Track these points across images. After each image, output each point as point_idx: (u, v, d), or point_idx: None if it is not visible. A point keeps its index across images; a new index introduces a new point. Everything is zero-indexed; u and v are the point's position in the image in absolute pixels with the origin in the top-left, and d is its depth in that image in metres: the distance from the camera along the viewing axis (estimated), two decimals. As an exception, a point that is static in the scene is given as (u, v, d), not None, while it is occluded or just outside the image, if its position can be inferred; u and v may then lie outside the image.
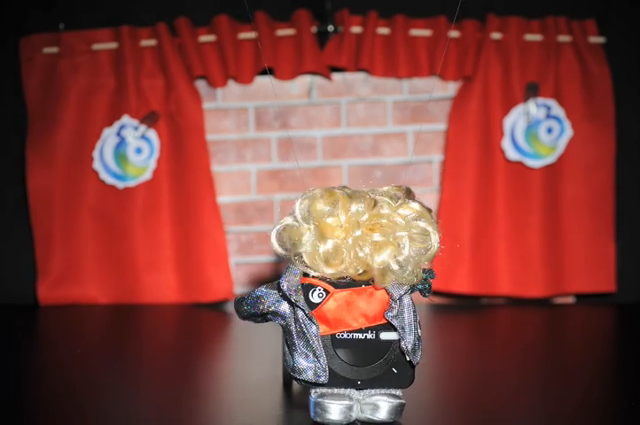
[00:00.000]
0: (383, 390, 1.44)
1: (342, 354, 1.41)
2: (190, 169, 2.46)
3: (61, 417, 1.53)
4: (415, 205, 1.43)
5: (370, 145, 2.51)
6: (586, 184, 2.48)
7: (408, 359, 1.41)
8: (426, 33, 2.45)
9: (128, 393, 1.67)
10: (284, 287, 1.38)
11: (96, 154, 2.46)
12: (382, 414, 1.43)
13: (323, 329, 1.40)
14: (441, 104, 2.51)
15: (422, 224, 1.43)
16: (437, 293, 2.53)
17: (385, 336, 1.42)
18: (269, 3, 2.49)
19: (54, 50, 2.46)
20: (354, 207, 1.38)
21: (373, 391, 1.44)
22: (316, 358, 1.39)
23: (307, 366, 1.40)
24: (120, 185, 2.46)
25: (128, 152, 2.45)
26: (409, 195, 1.45)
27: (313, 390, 1.43)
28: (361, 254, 1.36)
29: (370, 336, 1.42)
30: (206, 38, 2.45)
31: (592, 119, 2.46)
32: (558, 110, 2.44)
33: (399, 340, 1.41)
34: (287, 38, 2.46)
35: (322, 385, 1.42)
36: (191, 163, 2.46)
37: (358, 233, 1.36)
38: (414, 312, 1.41)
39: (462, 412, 1.53)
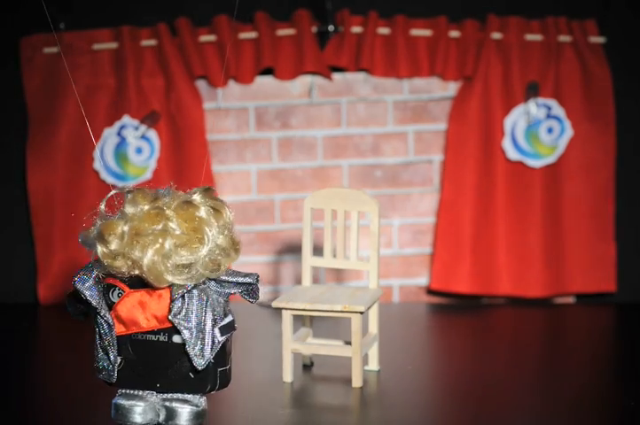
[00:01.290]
0: (180, 395, 1.40)
1: (139, 355, 1.38)
2: (190, 169, 2.46)
3: (61, 416, 1.52)
4: (201, 209, 1.36)
5: (370, 145, 2.51)
6: (586, 184, 2.47)
7: (194, 363, 1.36)
8: (427, 33, 2.45)
9: (128, 393, 1.66)
10: (77, 286, 1.42)
11: (96, 154, 2.45)
12: (178, 420, 1.39)
13: (120, 329, 1.38)
14: (442, 104, 2.51)
15: (204, 228, 1.35)
16: (438, 293, 2.53)
17: (177, 338, 1.37)
18: (269, 3, 2.49)
19: (54, 49, 2.45)
20: (129, 205, 1.42)
21: (170, 396, 1.40)
22: (109, 358, 1.38)
23: (102, 365, 1.40)
24: (120, 185, 2.46)
25: (129, 152, 2.45)
26: (207, 194, 1.38)
27: (118, 391, 1.41)
28: (134, 255, 1.35)
29: (162, 338, 1.38)
30: (206, 38, 2.44)
31: (592, 118, 2.46)
32: (558, 110, 2.44)
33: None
34: (288, 38, 2.46)
35: (121, 385, 1.40)
36: (192, 163, 2.46)
37: (126, 229, 1.38)
38: (207, 314, 1.36)
39: (462, 410, 1.53)
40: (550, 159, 2.45)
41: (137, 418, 1.39)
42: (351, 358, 1.67)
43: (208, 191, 1.38)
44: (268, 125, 2.50)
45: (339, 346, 1.73)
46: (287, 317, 1.69)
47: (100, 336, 1.40)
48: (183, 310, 1.35)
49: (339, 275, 2.50)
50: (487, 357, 1.93)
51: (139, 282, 1.37)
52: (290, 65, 2.46)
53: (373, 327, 1.79)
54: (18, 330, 2.21)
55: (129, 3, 2.50)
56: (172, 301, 1.35)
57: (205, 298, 1.36)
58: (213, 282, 1.38)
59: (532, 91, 2.43)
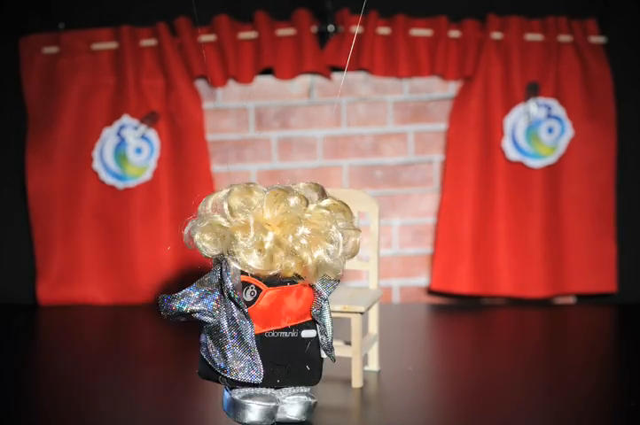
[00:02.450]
0: (296, 389, 1.44)
1: (268, 353, 1.40)
2: (190, 169, 2.46)
3: (61, 417, 1.52)
4: (336, 202, 1.42)
5: (370, 145, 2.51)
6: (587, 184, 2.47)
7: (324, 355, 1.43)
8: (427, 32, 2.45)
9: (128, 393, 1.67)
10: (230, 285, 1.36)
11: (96, 154, 2.46)
12: (296, 412, 1.43)
13: (255, 328, 1.39)
14: (442, 104, 2.50)
15: (343, 218, 1.41)
16: (438, 293, 2.53)
17: (306, 333, 1.42)
18: (269, 3, 2.49)
19: (54, 49, 2.45)
20: (289, 203, 1.36)
21: (289, 390, 1.43)
22: (252, 357, 1.38)
23: (241, 365, 1.38)
24: (120, 185, 2.46)
25: (129, 152, 2.45)
26: (324, 193, 1.44)
27: (237, 391, 1.41)
28: (297, 248, 1.34)
29: (293, 334, 1.42)
30: (206, 38, 2.44)
31: (593, 118, 2.45)
32: (558, 110, 2.44)
33: (316, 337, 1.42)
34: (287, 38, 2.46)
35: (248, 385, 1.39)
36: (191, 163, 2.46)
37: (297, 228, 1.35)
38: (330, 310, 1.44)
39: (462, 411, 1.53)
40: (551, 159, 2.45)
41: (261, 418, 1.40)
42: (351, 358, 1.66)
43: (323, 188, 1.44)
44: (267, 125, 2.50)
45: (339, 346, 1.72)
46: (287, 317, 1.69)
47: (240, 336, 1.37)
48: (322, 308, 1.42)
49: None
50: (488, 357, 1.93)
51: (272, 280, 1.39)
52: (290, 64, 2.46)
53: (373, 327, 1.78)
54: (17, 330, 2.21)
55: (129, 2, 2.50)
56: (322, 297, 1.40)
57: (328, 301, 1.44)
58: None
59: (532, 91, 2.43)
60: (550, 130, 2.44)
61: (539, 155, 2.45)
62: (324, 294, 1.40)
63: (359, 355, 1.65)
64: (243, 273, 1.37)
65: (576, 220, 2.47)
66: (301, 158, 2.51)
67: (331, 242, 1.36)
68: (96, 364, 1.87)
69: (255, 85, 2.49)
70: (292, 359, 1.41)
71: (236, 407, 1.40)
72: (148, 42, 2.46)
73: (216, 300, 1.39)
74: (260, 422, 1.40)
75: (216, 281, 1.39)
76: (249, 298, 1.38)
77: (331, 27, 2.47)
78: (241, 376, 1.37)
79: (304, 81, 2.50)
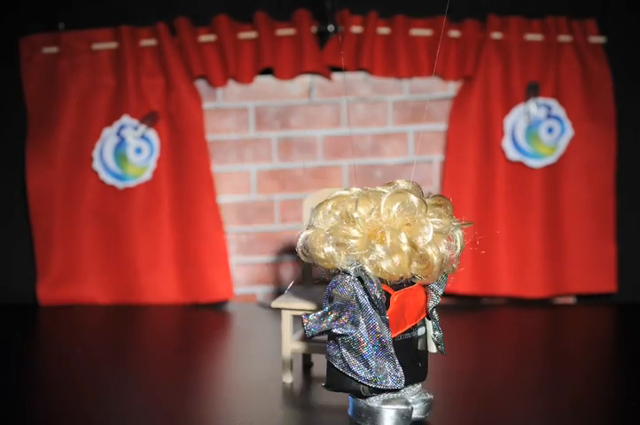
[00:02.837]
0: (415, 387, 1.45)
1: (400, 357, 1.38)
2: (190, 169, 2.46)
3: (61, 417, 1.53)
4: (439, 198, 1.42)
5: (370, 145, 2.51)
6: (587, 184, 2.47)
7: (436, 350, 1.45)
8: (427, 33, 2.45)
9: (129, 393, 1.67)
10: (378, 295, 1.34)
11: (96, 154, 2.46)
12: (424, 413, 1.45)
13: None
14: (442, 104, 2.50)
15: (449, 214, 1.41)
16: (437, 293, 2.53)
17: (420, 331, 1.44)
18: (269, 3, 2.49)
19: (54, 49, 2.45)
20: (412, 204, 1.35)
21: (411, 389, 1.44)
22: (394, 364, 1.37)
23: (384, 373, 1.36)
24: (120, 185, 2.46)
25: (128, 152, 2.45)
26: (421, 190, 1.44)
27: (373, 398, 1.40)
28: (427, 248, 1.33)
29: (412, 334, 1.42)
30: (206, 38, 2.44)
31: (593, 118, 2.46)
32: (558, 110, 2.44)
33: (425, 333, 1.44)
34: (287, 38, 2.46)
35: (384, 391, 1.39)
36: (191, 163, 2.46)
37: (423, 229, 1.34)
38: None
39: (462, 411, 1.53)
40: (551, 159, 2.45)
41: (395, 421, 1.40)
42: (351, 358, 1.66)
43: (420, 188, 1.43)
44: (267, 125, 2.50)
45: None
46: (287, 317, 1.69)
47: (381, 343, 1.35)
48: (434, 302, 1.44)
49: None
50: (488, 357, 1.93)
51: (396, 283, 1.38)
52: (290, 65, 2.46)
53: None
54: (18, 330, 2.22)
55: (129, 2, 2.50)
56: (435, 293, 1.42)
57: None
58: None
59: (532, 91, 2.43)
60: (550, 130, 2.44)
61: (539, 155, 2.45)
62: (440, 291, 1.42)
63: (359, 355, 1.65)
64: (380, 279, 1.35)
65: (576, 219, 2.47)
66: (301, 158, 2.51)
67: (451, 239, 1.37)
68: (96, 364, 1.87)
69: (255, 85, 2.49)
70: (413, 358, 1.42)
71: (374, 414, 1.40)
72: (148, 42, 2.46)
73: (355, 312, 1.35)
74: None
75: (348, 292, 1.35)
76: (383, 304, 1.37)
77: (330, 27, 2.47)
78: (387, 384, 1.36)
79: (304, 81, 2.50)
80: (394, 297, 1.37)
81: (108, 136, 2.45)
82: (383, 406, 1.39)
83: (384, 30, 2.45)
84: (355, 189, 1.40)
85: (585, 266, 2.47)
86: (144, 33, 2.46)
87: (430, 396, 1.46)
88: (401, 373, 1.36)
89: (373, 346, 1.35)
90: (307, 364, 1.82)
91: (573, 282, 2.48)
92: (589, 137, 2.46)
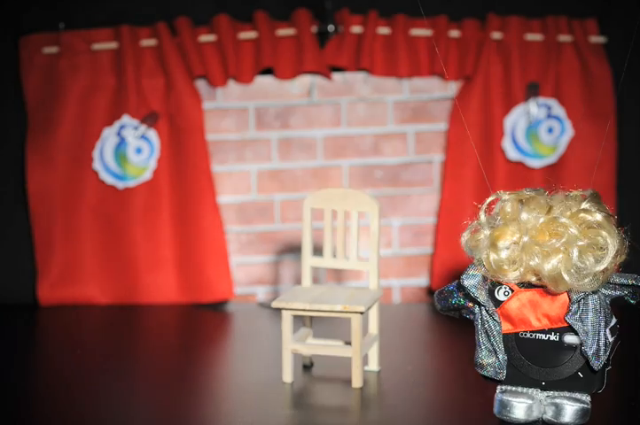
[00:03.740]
0: (567, 394, 1.44)
1: (525, 353, 1.42)
2: (190, 169, 2.46)
3: (61, 417, 1.53)
4: (597, 214, 1.40)
5: (370, 145, 2.51)
6: (587, 184, 2.46)
7: (589, 363, 1.41)
8: (427, 32, 2.45)
9: (128, 393, 1.67)
10: (465, 283, 1.41)
11: (96, 154, 2.45)
12: (565, 418, 1.43)
13: (507, 327, 1.42)
14: (442, 104, 2.50)
15: (602, 233, 1.39)
16: (437, 293, 2.53)
17: (568, 339, 1.42)
18: (269, 3, 2.49)
19: (54, 49, 2.45)
20: (524, 214, 1.38)
21: (557, 393, 1.44)
22: (496, 355, 1.42)
23: (488, 362, 1.43)
24: (120, 185, 2.46)
25: (128, 152, 2.45)
26: (595, 199, 1.43)
27: (499, 387, 1.46)
28: (532, 263, 1.36)
29: (553, 337, 1.42)
30: (206, 38, 2.44)
31: (593, 118, 2.45)
32: (558, 109, 2.44)
33: (581, 344, 1.41)
34: (287, 38, 2.45)
35: (503, 382, 1.44)
36: (191, 163, 2.46)
37: (526, 239, 1.36)
38: (602, 316, 1.41)
39: (462, 411, 1.53)
40: (551, 159, 2.45)
41: (522, 414, 1.43)
42: (351, 358, 1.66)
43: (596, 196, 1.43)
44: (267, 125, 2.50)
45: (339, 346, 1.72)
46: (287, 317, 1.69)
47: (486, 334, 1.42)
48: (580, 312, 1.40)
49: (339, 275, 2.50)
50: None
51: (528, 282, 1.41)
52: (290, 64, 2.46)
53: (373, 327, 1.78)
54: (18, 331, 2.22)
55: (129, 2, 2.50)
56: (571, 303, 1.38)
57: (599, 302, 1.41)
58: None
59: (532, 91, 2.42)
60: (550, 130, 2.44)
61: (539, 155, 2.45)
62: (573, 298, 1.39)
63: (359, 355, 1.65)
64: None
65: (576, 219, 2.46)
66: (301, 158, 2.51)
67: (568, 255, 1.35)
68: (96, 364, 1.87)
69: (255, 85, 2.49)
70: (557, 362, 1.42)
71: (499, 404, 1.45)
72: (148, 42, 2.46)
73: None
74: (522, 419, 1.43)
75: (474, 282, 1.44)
76: (502, 298, 1.41)
77: (330, 27, 2.47)
78: (485, 372, 1.43)
79: (304, 80, 2.49)
80: (517, 294, 1.41)
81: (108, 136, 2.45)
82: (502, 396, 1.45)
83: (384, 30, 2.44)
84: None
85: (585, 266, 2.47)
86: (144, 33, 2.46)
87: (584, 406, 1.43)
88: (502, 365, 1.41)
89: (483, 333, 1.43)
90: (307, 364, 1.82)
91: (573, 281, 2.47)
92: (589, 137, 2.46)
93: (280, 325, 1.70)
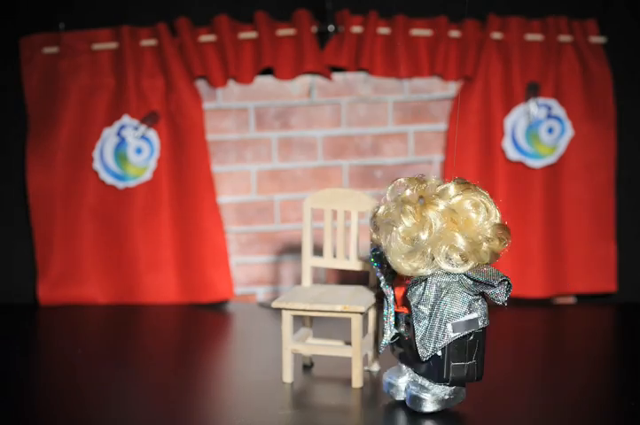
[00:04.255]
0: (418, 378, 1.52)
1: (408, 334, 1.52)
2: (190, 169, 2.46)
3: (61, 417, 1.53)
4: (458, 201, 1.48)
5: (370, 145, 2.51)
6: (587, 184, 2.47)
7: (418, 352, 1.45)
8: (427, 33, 2.45)
9: (129, 393, 1.67)
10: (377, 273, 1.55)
11: (96, 154, 2.46)
12: (414, 405, 1.51)
13: (396, 307, 1.54)
14: (442, 104, 2.51)
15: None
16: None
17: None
18: (269, 3, 2.49)
19: (54, 50, 2.45)
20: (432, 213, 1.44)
21: (418, 379, 1.52)
22: (389, 328, 1.55)
23: (382, 333, 1.56)
24: (120, 185, 2.46)
25: (129, 152, 2.45)
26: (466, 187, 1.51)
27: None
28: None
29: (406, 318, 1.53)
30: (206, 38, 2.44)
31: (593, 119, 2.46)
32: (558, 110, 2.44)
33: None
34: (287, 38, 2.46)
35: (398, 358, 1.57)
36: (192, 163, 2.46)
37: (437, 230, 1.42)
38: (441, 304, 1.42)
39: (462, 411, 1.53)
40: (551, 159, 2.45)
41: (401, 395, 1.54)
42: (351, 358, 1.67)
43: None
44: (268, 125, 2.50)
45: (339, 346, 1.72)
46: (287, 317, 1.69)
47: (387, 308, 1.53)
48: (415, 297, 1.43)
49: (339, 275, 2.50)
50: (487, 357, 1.93)
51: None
52: (290, 65, 2.46)
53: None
54: (18, 330, 2.22)
55: (129, 3, 2.50)
56: (407, 286, 1.45)
57: (445, 292, 1.41)
58: (469, 279, 1.42)
59: (532, 91, 2.43)
60: (550, 130, 2.44)
61: (539, 155, 2.45)
62: (412, 280, 1.45)
63: (359, 355, 1.66)
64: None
65: (576, 219, 2.47)
66: (301, 159, 2.51)
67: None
68: (96, 364, 1.87)
69: (255, 85, 2.49)
70: (409, 345, 1.50)
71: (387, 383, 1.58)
72: (148, 43, 2.46)
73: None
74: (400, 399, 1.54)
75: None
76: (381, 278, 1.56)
77: (331, 28, 2.47)
78: (380, 343, 1.56)
79: (304, 81, 2.50)
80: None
81: (108, 136, 2.45)
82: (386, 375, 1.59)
83: (384, 30, 2.45)
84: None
85: (585, 266, 2.47)
86: (144, 33, 2.46)
87: (417, 394, 1.49)
88: (386, 338, 1.54)
89: (385, 308, 1.55)
90: (307, 364, 1.82)
91: (573, 281, 2.48)
92: (589, 137, 2.46)
93: (280, 325, 1.70)
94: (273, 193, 2.51)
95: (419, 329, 1.41)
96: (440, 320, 1.40)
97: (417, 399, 1.48)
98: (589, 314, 2.37)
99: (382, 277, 1.55)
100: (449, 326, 1.40)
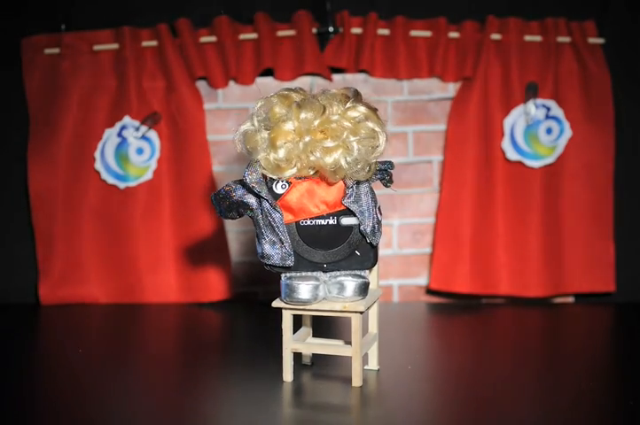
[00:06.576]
0: (348, 272, 1.59)
1: (307, 240, 1.57)
2: (191, 169, 2.47)
3: (62, 416, 1.53)
4: (362, 108, 1.55)
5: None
6: (585, 184, 2.48)
7: (368, 240, 1.57)
8: (426, 34, 2.46)
9: (130, 392, 1.67)
10: (247, 180, 1.54)
11: (97, 154, 2.46)
12: (348, 293, 1.58)
13: (288, 218, 1.56)
14: (441, 105, 2.51)
15: (370, 125, 1.54)
16: (437, 293, 2.54)
17: (345, 221, 1.57)
18: (269, 4, 2.50)
19: (55, 50, 2.46)
20: (303, 114, 1.51)
21: (339, 273, 1.59)
22: (282, 244, 1.55)
23: (274, 252, 1.55)
24: (121, 185, 2.47)
25: (130, 153, 2.46)
26: (357, 97, 1.57)
27: (283, 275, 1.59)
28: (312, 158, 1.51)
29: (331, 221, 1.58)
30: (206, 39, 2.45)
31: (591, 119, 2.46)
32: (557, 110, 2.45)
33: (358, 224, 1.56)
34: (288, 39, 2.46)
35: (289, 269, 1.57)
36: (192, 163, 2.47)
37: (307, 139, 1.51)
38: (372, 198, 1.57)
39: (462, 410, 1.54)
40: (550, 160, 2.46)
41: (307, 295, 1.57)
42: (351, 357, 1.67)
43: (356, 93, 1.58)
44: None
45: (339, 346, 1.73)
46: (287, 317, 1.70)
47: (270, 226, 1.54)
48: (354, 195, 1.55)
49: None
50: (487, 356, 1.94)
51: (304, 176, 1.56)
52: (290, 65, 2.46)
53: (373, 326, 1.79)
54: (19, 330, 2.22)
55: (130, 4, 2.51)
56: (347, 188, 1.54)
57: (369, 186, 1.57)
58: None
59: (531, 92, 2.43)
60: (549, 131, 2.45)
61: (538, 155, 2.46)
62: (349, 183, 1.54)
63: (359, 354, 1.66)
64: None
65: (575, 219, 2.48)
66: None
67: (347, 148, 1.50)
68: (97, 363, 1.88)
69: (256, 86, 2.50)
70: (335, 244, 1.57)
71: (286, 288, 1.58)
72: (149, 43, 2.47)
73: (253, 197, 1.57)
74: (307, 299, 1.57)
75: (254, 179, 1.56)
76: (280, 191, 1.56)
77: (331, 29, 2.48)
78: (272, 261, 1.55)
79: (304, 82, 2.50)
80: (294, 185, 1.55)
81: (109, 137, 2.46)
82: (288, 281, 1.58)
83: (384, 31, 2.45)
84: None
85: (584, 266, 2.48)
86: (145, 34, 2.47)
87: (364, 280, 1.59)
88: (289, 252, 1.55)
89: (265, 226, 1.55)
90: (307, 363, 1.82)
91: (572, 281, 2.48)
92: (587, 138, 2.47)
93: (280, 325, 1.71)
94: (273, 193, 2.51)
95: (365, 220, 1.55)
96: (373, 208, 1.56)
97: (364, 285, 1.59)
98: (588, 314, 2.38)
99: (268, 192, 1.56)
100: (378, 211, 1.58)
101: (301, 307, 1.65)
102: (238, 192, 1.58)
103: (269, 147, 1.53)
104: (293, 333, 1.73)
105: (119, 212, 2.49)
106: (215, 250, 2.48)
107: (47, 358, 1.97)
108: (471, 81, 2.46)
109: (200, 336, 2.17)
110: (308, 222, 1.57)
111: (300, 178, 1.56)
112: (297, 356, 1.78)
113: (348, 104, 1.54)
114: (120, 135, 2.46)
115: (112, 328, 2.31)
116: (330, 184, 1.56)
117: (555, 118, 2.45)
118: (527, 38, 2.45)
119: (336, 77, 2.49)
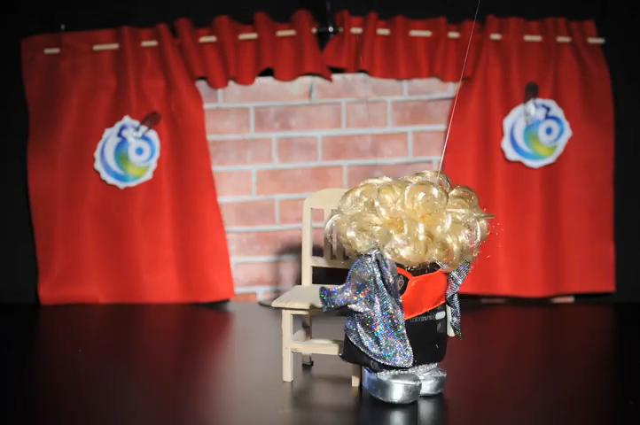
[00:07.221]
0: (429, 366, 1.56)
1: (413, 338, 1.50)
2: (190, 169, 2.47)
3: (62, 416, 1.53)
4: (464, 189, 1.54)
5: (369, 145, 2.51)
6: (585, 184, 2.48)
7: (455, 334, 1.57)
8: (426, 34, 2.46)
9: (130, 392, 1.67)
10: (391, 279, 1.44)
11: (97, 154, 2.46)
12: (441, 388, 1.56)
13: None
14: (441, 105, 2.51)
15: (472, 205, 1.53)
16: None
17: (439, 315, 1.54)
18: (269, 4, 2.50)
19: (55, 50, 2.46)
20: (432, 195, 1.46)
21: (431, 367, 1.56)
22: (404, 344, 1.48)
23: (394, 352, 1.48)
24: (121, 185, 2.47)
25: (129, 153, 2.46)
26: (448, 181, 1.55)
27: (383, 372, 1.51)
28: (445, 237, 1.44)
29: (430, 317, 1.53)
30: (206, 39, 2.45)
31: (591, 119, 2.46)
32: (557, 110, 2.45)
33: (445, 318, 1.55)
34: (288, 39, 2.46)
35: (395, 367, 1.50)
36: (192, 163, 2.47)
37: (442, 219, 1.45)
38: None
39: (461, 410, 1.54)
40: (549, 160, 2.46)
41: (401, 395, 1.51)
42: (351, 357, 1.67)
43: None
44: (268, 125, 2.51)
45: (338, 346, 1.73)
46: (287, 317, 1.70)
47: (393, 324, 1.46)
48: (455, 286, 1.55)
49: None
50: (487, 356, 1.94)
51: (418, 269, 1.49)
52: (290, 65, 2.46)
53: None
54: (19, 330, 2.22)
55: (130, 4, 2.51)
56: (453, 279, 1.53)
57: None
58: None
59: (531, 92, 2.43)
60: (549, 131, 2.45)
61: (538, 155, 2.46)
62: (460, 281, 1.54)
63: (359, 354, 1.66)
64: (397, 265, 1.47)
65: (574, 219, 2.48)
66: (301, 159, 2.51)
67: (470, 228, 1.48)
68: (97, 363, 1.88)
69: (255, 86, 2.50)
70: (428, 340, 1.53)
71: (384, 387, 1.51)
72: (149, 43, 2.47)
73: (371, 292, 1.46)
74: (407, 400, 1.51)
75: (367, 274, 1.46)
76: (397, 288, 1.48)
77: (330, 29, 2.48)
78: (396, 362, 1.47)
79: (304, 81, 2.50)
80: (412, 282, 1.48)
81: (109, 137, 2.46)
82: (392, 380, 1.50)
83: (383, 31, 2.45)
84: (385, 179, 1.51)
85: (583, 266, 2.48)
86: (144, 34, 2.47)
87: (443, 374, 1.56)
88: (410, 352, 1.47)
89: (385, 326, 1.46)
90: (307, 363, 1.83)
91: (571, 281, 2.48)
92: (587, 138, 2.47)
93: (280, 325, 1.71)
94: (273, 193, 2.52)
95: (456, 314, 1.55)
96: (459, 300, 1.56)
97: (438, 381, 1.56)
98: (588, 314, 2.38)
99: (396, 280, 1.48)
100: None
101: (301, 308, 1.65)
102: (352, 290, 1.46)
103: (410, 231, 1.45)
104: (293, 333, 1.73)
105: (119, 212, 2.49)
106: (215, 250, 2.48)
107: (47, 358, 1.97)
108: (470, 81, 2.46)
109: (200, 336, 2.17)
110: (416, 320, 1.52)
111: (415, 274, 1.50)
112: (297, 356, 1.78)
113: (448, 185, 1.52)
114: (119, 134, 2.46)
115: (112, 328, 2.31)
116: (438, 278, 1.53)
117: (555, 118, 2.45)
118: (527, 38, 2.45)
119: (336, 77, 2.49)
